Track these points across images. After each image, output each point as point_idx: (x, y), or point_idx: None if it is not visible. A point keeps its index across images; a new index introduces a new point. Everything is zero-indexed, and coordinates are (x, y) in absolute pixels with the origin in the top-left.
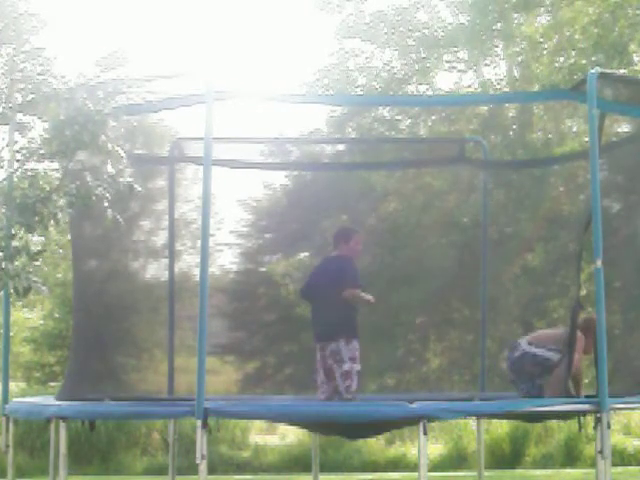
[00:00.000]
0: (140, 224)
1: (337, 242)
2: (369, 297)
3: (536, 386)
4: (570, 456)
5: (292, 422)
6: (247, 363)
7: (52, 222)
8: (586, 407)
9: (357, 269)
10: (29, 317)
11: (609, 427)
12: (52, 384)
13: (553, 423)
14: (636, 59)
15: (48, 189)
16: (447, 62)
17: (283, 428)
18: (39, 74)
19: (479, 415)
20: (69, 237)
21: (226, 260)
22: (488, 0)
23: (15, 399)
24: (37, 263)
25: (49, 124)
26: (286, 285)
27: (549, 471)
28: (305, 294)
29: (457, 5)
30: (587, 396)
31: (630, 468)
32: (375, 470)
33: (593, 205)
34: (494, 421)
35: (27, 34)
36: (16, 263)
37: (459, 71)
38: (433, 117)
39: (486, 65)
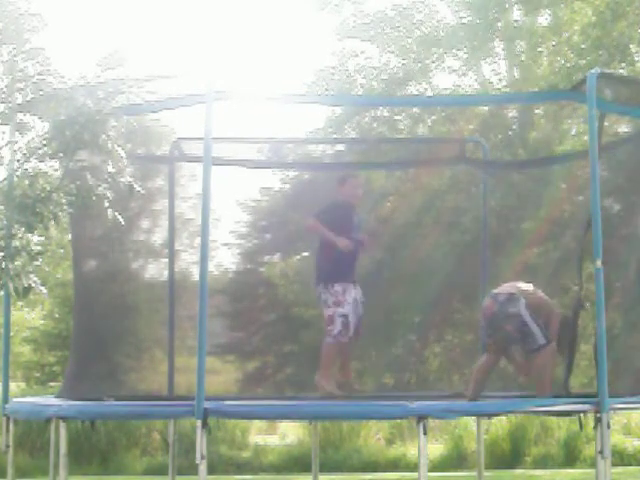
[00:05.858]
0: (139, 224)
1: (336, 187)
2: (333, 237)
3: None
4: (570, 456)
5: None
6: (247, 363)
7: (52, 222)
8: (586, 407)
9: (335, 209)
10: (29, 317)
11: (609, 427)
12: (52, 384)
13: (553, 423)
14: (637, 59)
15: (48, 189)
16: (448, 64)
17: (283, 428)
18: (39, 74)
19: (479, 415)
20: (69, 237)
21: (226, 260)
22: None
23: (15, 399)
24: (37, 263)
25: (49, 124)
26: (285, 285)
27: (549, 471)
28: None
29: (457, 4)
30: (587, 396)
31: (630, 468)
32: (375, 470)
33: (593, 205)
34: (494, 421)
35: (27, 34)
36: (16, 263)
37: (459, 71)
38: (433, 117)
39: (487, 65)
